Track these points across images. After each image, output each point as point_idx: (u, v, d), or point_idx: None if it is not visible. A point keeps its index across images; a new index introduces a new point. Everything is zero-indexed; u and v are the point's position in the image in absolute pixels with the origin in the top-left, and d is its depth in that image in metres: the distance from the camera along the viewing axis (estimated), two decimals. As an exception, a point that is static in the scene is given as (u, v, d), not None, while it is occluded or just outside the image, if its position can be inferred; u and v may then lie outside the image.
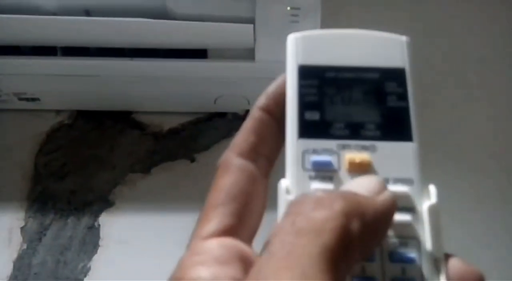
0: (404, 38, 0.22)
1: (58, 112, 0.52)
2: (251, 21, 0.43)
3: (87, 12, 0.45)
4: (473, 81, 0.58)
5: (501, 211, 0.48)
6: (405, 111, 0.20)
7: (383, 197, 0.17)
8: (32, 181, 0.46)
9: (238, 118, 0.53)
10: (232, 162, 0.20)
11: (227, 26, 0.42)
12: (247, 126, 0.21)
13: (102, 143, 0.49)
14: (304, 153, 0.19)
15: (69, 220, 0.44)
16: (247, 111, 0.55)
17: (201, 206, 0.52)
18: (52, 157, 0.48)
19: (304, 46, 0.21)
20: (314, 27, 0.43)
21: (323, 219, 0.15)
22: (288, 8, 0.42)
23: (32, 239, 0.43)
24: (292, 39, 0.22)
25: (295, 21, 0.43)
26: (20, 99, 0.50)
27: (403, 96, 0.20)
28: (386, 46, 0.22)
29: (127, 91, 0.50)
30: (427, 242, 0.18)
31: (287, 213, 0.16)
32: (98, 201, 0.45)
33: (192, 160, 0.49)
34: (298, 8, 0.42)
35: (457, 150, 0.52)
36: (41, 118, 0.51)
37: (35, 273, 0.41)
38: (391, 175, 0.19)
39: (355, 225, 0.15)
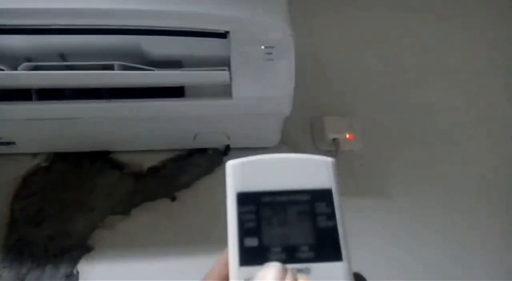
0: (329, 159, 0.25)
1: (34, 155, 0.51)
2: (227, 60, 0.43)
3: (62, 56, 0.45)
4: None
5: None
6: (334, 231, 0.23)
7: None
8: (7, 229, 0.45)
9: (219, 154, 0.53)
10: None
11: (203, 72, 0.42)
12: (224, 256, 0.23)
13: (80, 185, 0.48)
14: None
15: (46, 269, 0.42)
16: (227, 146, 0.56)
17: (182, 249, 0.51)
18: (28, 202, 0.47)
19: (241, 173, 0.24)
20: (289, 64, 0.44)
21: None
22: (262, 47, 0.43)
23: (8, 291, 0.41)
24: (230, 166, 0.25)
25: (269, 59, 0.44)
26: (-5, 143, 0.49)
27: (332, 216, 0.23)
28: (314, 168, 0.24)
29: (105, 132, 0.49)
30: None
31: None
32: (76, 246, 0.44)
33: (173, 199, 0.48)
34: (272, 47, 0.43)
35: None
36: (17, 161, 0.50)
37: (11, 327, 0.40)
38: None
39: None
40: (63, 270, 0.42)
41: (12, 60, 0.43)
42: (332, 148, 0.54)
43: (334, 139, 0.54)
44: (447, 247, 0.47)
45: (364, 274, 0.44)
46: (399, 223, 0.48)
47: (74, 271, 0.42)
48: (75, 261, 0.43)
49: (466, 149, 0.55)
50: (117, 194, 0.48)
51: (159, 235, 0.45)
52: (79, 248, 0.44)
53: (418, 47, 0.67)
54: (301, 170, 0.24)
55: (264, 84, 0.45)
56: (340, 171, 0.52)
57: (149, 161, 0.51)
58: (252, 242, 0.22)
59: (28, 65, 0.43)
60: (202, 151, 0.53)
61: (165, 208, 0.47)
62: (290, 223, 0.22)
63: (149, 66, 0.43)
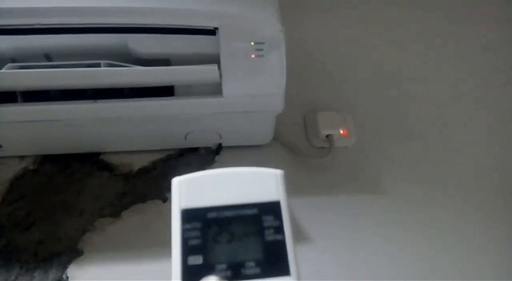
0: (278, 171, 0.24)
1: (22, 158, 0.50)
2: (217, 57, 0.42)
3: (47, 56, 0.44)
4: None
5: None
6: (282, 245, 0.22)
7: None
8: (-5, 234, 0.44)
9: (211, 152, 0.52)
10: None
11: (192, 68, 0.41)
12: None
13: (69, 188, 0.47)
14: None
15: (35, 274, 0.41)
16: (219, 145, 0.55)
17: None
18: (16, 206, 0.46)
19: (186, 190, 0.23)
20: (280, 60, 0.43)
21: None
22: (252, 43, 0.42)
23: (-4, 298, 0.40)
24: (175, 183, 0.24)
25: (260, 56, 0.43)
26: (-19, 147, 0.48)
27: (280, 229, 0.22)
28: (262, 181, 0.24)
29: (93, 133, 0.48)
30: None
31: None
32: (66, 250, 0.43)
33: (164, 200, 0.47)
34: (263, 43, 0.42)
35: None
36: (4, 165, 0.49)
37: None
38: None
39: None
40: (52, 275, 0.41)
41: (-4, 62, 0.42)
42: (326, 145, 0.53)
43: (327, 135, 0.53)
44: (442, 244, 0.46)
45: (358, 270, 0.44)
46: (394, 219, 0.48)
47: (64, 276, 0.41)
48: (64, 266, 0.42)
49: (462, 145, 0.55)
50: (107, 196, 0.47)
51: (150, 237, 0.44)
52: (68, 252, 0.43)
53: (412, 41, 0.66)
54: (249, 184, 0.23)
55: (255, 81, 0.44)
56: (334, 167, 0.51)
57: (139, 162, 0.50)
58: (196, 260, 0.21)
59: (12, 65, 0.42)
60: (194, 150, 0.52)
61: (156, 210, 0.46)
62: (236, 239, 0.22)
63: (137, 65, 0.42)
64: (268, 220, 0.22)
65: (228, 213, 0.22)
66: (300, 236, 0.45)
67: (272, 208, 0.22)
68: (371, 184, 0.50)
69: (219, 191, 0.23)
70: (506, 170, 0.53)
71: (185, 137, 0.50)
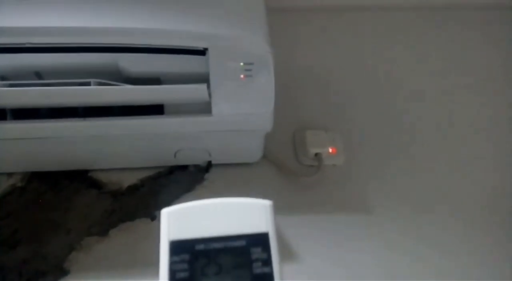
0: (267, 202, 0.24)
1: (10, 174, 0.49)
2: (206, 77, 0.43)
3: (38, 74, 0.44)
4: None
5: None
6: (269, 278, 0.22)
7: None
8: (-20, 253, 0.43)
9: (200, 170, 0.52)
10: None
11: (181, 87, 0.42)
12: None
13: (56, 206, 0.47)
14: None
15: (20, 294, 0.41)
16: (209, 163, 0.55)
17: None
18: (2, 224, 0.45)
19: (175, 221, 0.23)
20: (269, 80, 0.44)
21: None
22: (241, 63, 0.43)
23: (-21, 318, 0.40)
24: (164, 214, 0.24)
25: (249, 76, 0.43)
26: (-32, 164, 0.48)
27: (268, 261, 0.22)
28: (251, 213, 0.24)
29: (82, 151, 0.48)
30: None
31: None
32: (52, 270, 0.42)
33: (153, 218, 0.47)
34: (251, 63, 0.43)
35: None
36: (-9, 182, 0.49)
37: None
38: None
39: None
40: (37, 295, 0.41)
41: (-14, 79, 0.42)
42: (315, 163, 0.54)
43: (316, 154, 0.54)
44: (429, 263, 0.46)
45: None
46: (381, 238, 0.48)
47: (49, 296, 0.41)
48: (50, 286, 0.41)
49: (450, 166, 0.56)
50: (94, 214, 0.47)
51: (138, 256, 0.44)
52: (54, 272, 0.42)
53: (402, 60, 0.67)
54: (237, 215, 0.24)
55: (244, 100, 0.44)
56: (322, 185, 0.52)
57: (128, 179, 0.50)
58: None
59: (2, 83, 0.42)
60: (183, 168, 0.52)
61: (144, 228, 0.46)
62: (224, 271, 0.22)
63: (128, 84, 0.42)
64: (256, 252, 0.22)
65: (216, 245, 0.22)
66: (287, 254, 0.45)
67: (261, 240, 0.23)
68: (359, 202, 0.51)
69: (207, 222, 0.23)
70: (493, 190, 0.53)
71: (175, 155, 0.50)
